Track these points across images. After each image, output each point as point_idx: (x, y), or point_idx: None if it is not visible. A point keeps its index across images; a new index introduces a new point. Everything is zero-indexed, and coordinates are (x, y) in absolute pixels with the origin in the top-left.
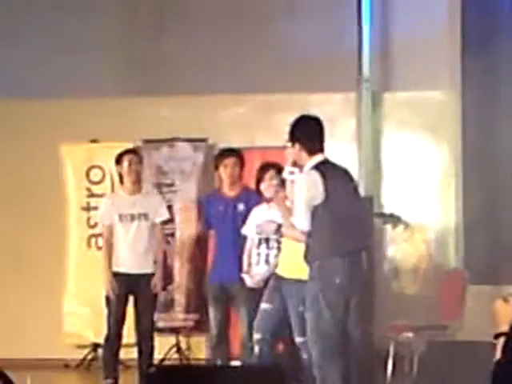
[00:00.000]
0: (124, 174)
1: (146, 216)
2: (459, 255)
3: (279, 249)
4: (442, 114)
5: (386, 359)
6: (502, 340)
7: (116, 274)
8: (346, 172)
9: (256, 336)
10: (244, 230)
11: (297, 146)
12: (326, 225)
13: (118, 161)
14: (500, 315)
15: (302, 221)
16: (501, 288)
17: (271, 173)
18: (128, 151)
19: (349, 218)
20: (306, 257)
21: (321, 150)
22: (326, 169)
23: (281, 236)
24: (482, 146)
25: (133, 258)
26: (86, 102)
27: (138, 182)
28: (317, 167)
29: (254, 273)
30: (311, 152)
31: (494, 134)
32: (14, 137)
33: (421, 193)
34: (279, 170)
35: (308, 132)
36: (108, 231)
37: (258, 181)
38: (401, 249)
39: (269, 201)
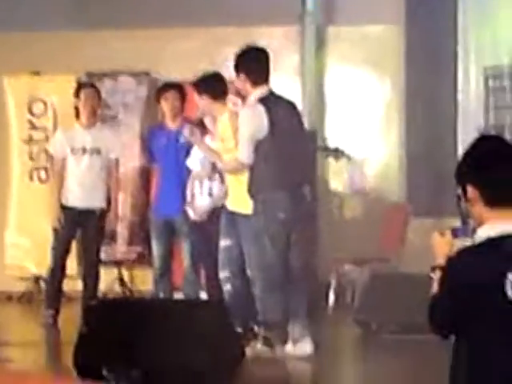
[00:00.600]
0: (80, 107)
1: (98, 151)
2: (402, 188)
3: (222, 181)
4: (385, 49)
5: (328, 291)
6: (438, 273)
7: (65, 207)
8: (291, 105)
9: (223, 274)
10: (188, 162)
11: (242, 76)
12: (270, 159)
13: (76, 94)
14: (436, 248)
15: (244, 153)
16: (443, 220)
17: None
18: (85, 84)
19: (292, 152)
20: (249, 190)
21: (266, 81)
22: (271, 101)
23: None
24: (424, 80)
25: (83, 192)
26: (30, 34)
27: (93, 116)
28: (261, 100)
29: (197, 205)
30: (256, 83)
31: (437, 69)
32: None
33: (364, 127)
34: None
35: (253, 62)
36: (59, 164)
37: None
38: (343, 182)
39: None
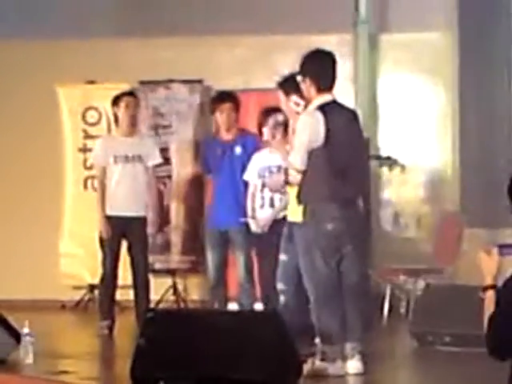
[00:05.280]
0: (120, 116)
1: (140, 158)
2: (455, 198)
3: (283, 192)
4: (439, 55)
5: (383, 302)
6: (490, 293)
7: (109, 217)
8: (352, 114)
9: (279, 286)
10: (246, 176)
11: (307, 80)
12: (323, 168)
13: (115, 102)
14: (484, 268)
15: (297, 159)
16: (496, 231)
17: (274, 117)
18: (125, 93)
19: (348, 162)
20: (298, 199)
21: (330, 88)
22: (331, 110)
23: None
24: (478, 87)
25: (126, 200)
26: (83, 43)
27: (133, 124)
28: (321, 108)
29: (259, 217)
30: (320, 89)
31: (491, 75)
32: (10, 79)
33: (417, 135)
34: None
35: (320, 67)
36: (102, 173)
37: (260, 124)
38: (397, 192)
39: (270, 145)
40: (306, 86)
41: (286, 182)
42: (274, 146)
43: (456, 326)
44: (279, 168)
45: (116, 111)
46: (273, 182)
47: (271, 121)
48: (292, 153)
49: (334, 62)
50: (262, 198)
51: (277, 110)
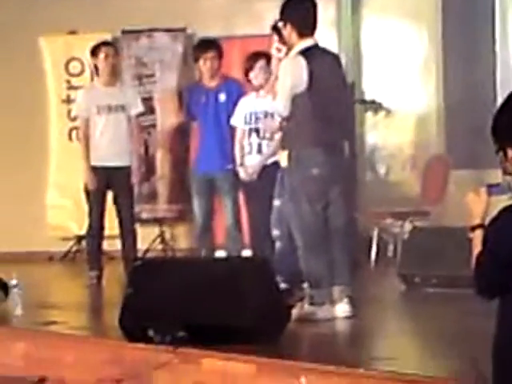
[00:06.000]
0: (100, 66)
1: (122, 108)
2: (441, 140)
3: (271, 138)
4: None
5: (370, 245)
6: (478, 232)
7: (94, 167)
8: (335, 58)
9: (275, 232)
10: (233, 121)
11: (288, 25)
12: (306, 113)
13: (94, 53)
14: (472, 208)
15: (281, 106)
16: (482, 172)
17: (261, 61)
18: (104, 43)
19: (332, 107)
20: (282, 144)
21: (312, 32)
22: (314, 54)
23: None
24: (461, 30)
25: (110, 150)
26: None
27: (114, 74)
28: (303, 53)
29: (247, 164)
30: (302, 34)
31: (474, 19)
32: None
33: (401, 79)
34: (268, 59)
35: (301, 12)
36: (85, 124)
37: (247, 70)
38: (382, 135)
39: (257, 89)
40: (287, 32)
41: (280, 128)
42: (266, 89)
43: (443, 268)
44: (266, 113)
45: (95, 62)
46: (266, 128)
47: (258, 65)
48: (276, 99)
49: (314, 6)
50: (250, 144)
51: (263, 54)
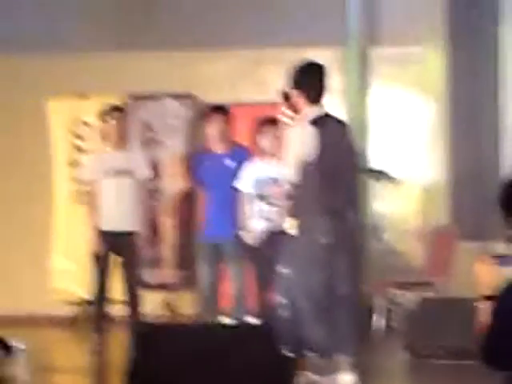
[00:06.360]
0: (109, 130)
1: (130, 173)
2: (447, 211)
3: (277, 205)
4: (429, 70)
5: (374, 315)
6: (485, 303)
7: (101, 232)
8: (344, 126)
9: (279, 300)
10: (239, 185)
11: (296, 92)
12: (314, 182)
13: (103, 117)
14: (480, 278)
15: (290, 172)
16: (488, 244)
17: (268, 127)
18: (113, 108)
19: (339, 176)
20: (291, 212)
21: (319, 99)
22: (324, 124)
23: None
24: (469, 100)
25: (117, 215)
26: (72, 56)
27: (122, 138)
28: (314, 122)
29: (252, 229)
30: (310, 100)
31: (482, 89)
32: (0, 93)
33: (408, 149)
34: (276, 124)
35: (310, 79)
36: (93, 187)
37: (254, 135)
38: (389, 205)
39: (264, 155)
40: (296, 98)
41: (286, 194)
42: (271, 154)
43: (449, 339)
44: (272, 179)
45: (104, 126)
46: (272, 194)
47: (266, 130)
48: (285, 165)
49: (322, 74)
50: (256, 209)
51: (271, 119)
